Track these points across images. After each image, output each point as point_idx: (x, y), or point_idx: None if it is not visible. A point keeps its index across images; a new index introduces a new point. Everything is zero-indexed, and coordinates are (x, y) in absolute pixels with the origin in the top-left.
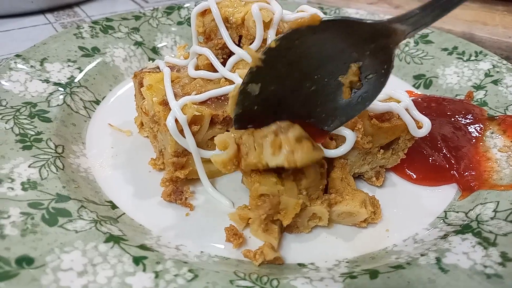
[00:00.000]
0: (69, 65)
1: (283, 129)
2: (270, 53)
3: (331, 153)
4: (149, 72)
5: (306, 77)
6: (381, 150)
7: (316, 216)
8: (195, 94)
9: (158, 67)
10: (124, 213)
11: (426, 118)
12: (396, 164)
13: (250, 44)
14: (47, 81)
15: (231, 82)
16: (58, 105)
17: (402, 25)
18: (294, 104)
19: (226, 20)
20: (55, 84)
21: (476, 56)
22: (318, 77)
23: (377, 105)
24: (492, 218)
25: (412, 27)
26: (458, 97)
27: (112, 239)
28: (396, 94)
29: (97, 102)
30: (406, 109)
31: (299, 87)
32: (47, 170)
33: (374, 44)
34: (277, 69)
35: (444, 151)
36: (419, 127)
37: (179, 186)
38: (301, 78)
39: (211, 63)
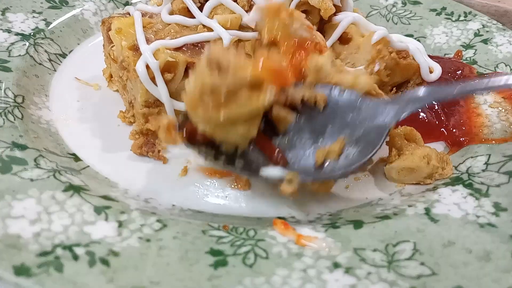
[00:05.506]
0: (34, 16)
1: None
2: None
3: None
4: (118, 17)
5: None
6: (393, 89)
7: None
8: (170, 39)
9: (128, 13)
10: (88, 166)
11: (437, 64)
12: None
13: None
14: (8, 31)
15: (209, 29)
16: (20, 55)
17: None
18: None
19: None
20: (18, 34)
21: (465, 16)
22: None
23: (396, 42)
24: (483, 171)
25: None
26: (446, 56)
27: (72, 188)
28: (409, 41)
29: (63, 56)
30: None
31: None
32: (3, 119)
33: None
34: None
35: (437, 107)
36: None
37: (151, 139)
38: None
39: (187, 7)
